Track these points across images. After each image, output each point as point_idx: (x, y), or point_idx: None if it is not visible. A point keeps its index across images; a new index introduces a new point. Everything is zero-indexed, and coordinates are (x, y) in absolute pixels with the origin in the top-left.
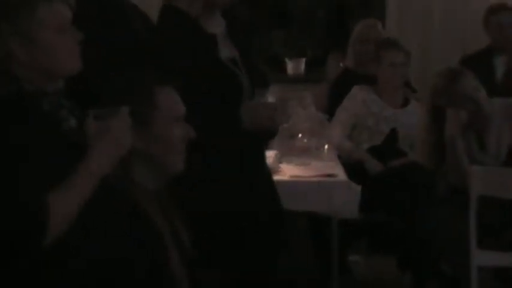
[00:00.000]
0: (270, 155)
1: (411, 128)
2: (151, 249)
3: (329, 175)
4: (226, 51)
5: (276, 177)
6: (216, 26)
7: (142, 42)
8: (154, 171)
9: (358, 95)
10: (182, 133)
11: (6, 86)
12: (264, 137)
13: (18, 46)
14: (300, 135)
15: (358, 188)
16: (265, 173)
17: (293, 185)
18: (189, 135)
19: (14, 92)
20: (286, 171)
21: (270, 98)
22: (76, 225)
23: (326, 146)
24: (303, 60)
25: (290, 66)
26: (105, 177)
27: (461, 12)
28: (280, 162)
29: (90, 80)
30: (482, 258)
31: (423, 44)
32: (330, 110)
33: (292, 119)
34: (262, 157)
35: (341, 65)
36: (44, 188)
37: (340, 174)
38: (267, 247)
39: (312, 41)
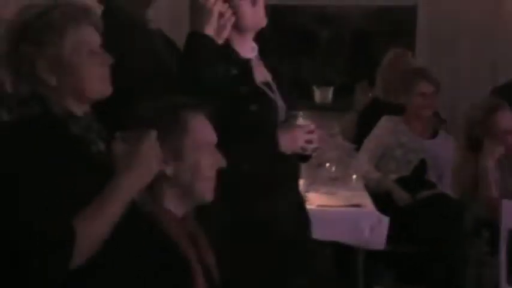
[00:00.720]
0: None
1: (440, 159)
2: (177, 275)
3: (356, 205)
4: (260, 75)
5: None
6: (249, 50)
7: (171, 69)
8: (182, 198)
9: (386, 125)
10: (212, 161)
11: (34, 108)
12: (299, 160)
13: (46, 70)
14: (327, 164)
15: (386, 219)
16: (299, 198)
17: (320, 214)
18: (219, 163)
19: (42, 113)
20: (314, 200)
21: (302, 121)
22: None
23: (354, 176)
24: (331, 88)
25: (317, 94)
26: (133, 202)
27: (491, 41)
28: (307, 191)
29: (120, 104)
30: None
31: (452, 73)
32: (357, 139)
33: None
34: (296, 181)
35: (370, 94)
36: (70, 212)
37: (368, 204)
38: (292, 275)
39: (340, 69)
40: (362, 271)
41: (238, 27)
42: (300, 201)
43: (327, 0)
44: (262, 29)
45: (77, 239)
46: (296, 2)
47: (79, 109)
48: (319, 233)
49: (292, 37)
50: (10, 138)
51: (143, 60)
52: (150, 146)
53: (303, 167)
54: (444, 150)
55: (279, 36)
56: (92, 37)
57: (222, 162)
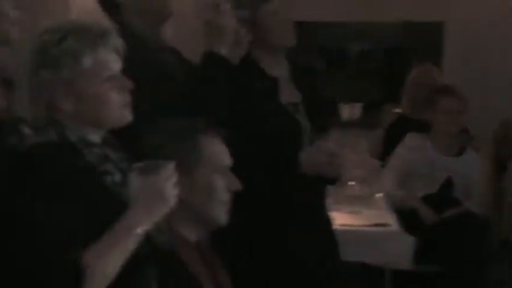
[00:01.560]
0: None
1: (467, 177)
2: None
3: (381, 224)
4: (287, 95)
5: None
6: (279, 69)
7: (186, 90)
8: (196, 222)
9: (411, 142)
10: (226, 184)
11: (49, 135)
12: (324, 183)
13: (61, 96)
14: (350, 183)
15: (412, 238)
16: (324, 220)
17: (343, 234)
18: (234, 186)
19: (56, 140)
20: (337, 220)
21: (331, 144)
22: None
23: (378, 195)
24: (359, 105)
25: (345, 111)
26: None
27: None
28: (330, 210)
29: (135, 128)
30: None
31: (482, 90)
32: (384, 156)
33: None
34: (322, 204)
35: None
36: (80, 245)
37: (393, 223)
38: None
39: (368, 85)
40: None
41: (266, 45)
42: (327, 223)
43: (357, 16)
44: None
45: (87, 272)
46: (325, 19)
47: (97, 136)
48: (343, 253)
49: (320, 53)
50: (21, 166)
51: (159, 79)
52: (168, 178)
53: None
54: (471, 168)
55: (308, 53)
56: (110, 62)
57: (237, 186)
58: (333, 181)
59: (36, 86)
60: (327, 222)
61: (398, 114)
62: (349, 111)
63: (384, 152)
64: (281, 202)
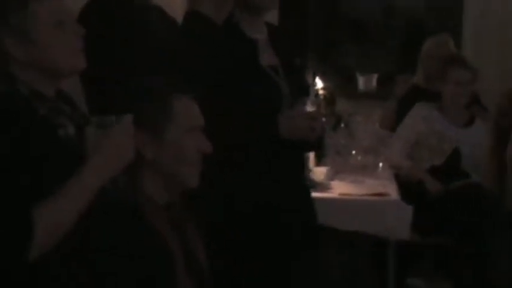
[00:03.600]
0: (322, 171)
1: (475, 149)
2: (156, 263)
3: (380, 194)
4: (266, 58)
5: (324, 195)
6: (258, 31)
7: (165, 47)
8: (165, 185)
9: (420, 112)
10: (198, 145)
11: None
12: (304, 148)
13: (13, 44)
14: (353, 152)
15: (410, 208)
16: (302, 185)
17: (342, 203)
18: (205, 148)
19: (8, 94)
20: (336, 189)
21: (309, 108)
22: (76, 235)
23: (380, 164)
24: (375, 76)
25: (361, 82)
26: (112, 188)
27: None
28: (332, 179)
29: (107, 82)
30: None
31: (500, 61)
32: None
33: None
34: (300, 169)
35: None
36: (33, 198)
37: (393, 193)
38: (296, 265)
39: (385, 56)
40: (393, 263)
41: (248, 7)
42: (305, 188)
43: None
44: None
45: (38, 228)
46: None
47: (49, 89)
48: (341, 222)
49: (339, 24)
50: None
51: (137, 36)
52: (124, 131)
53: (330, 155)
54: (480, 139)
55: (326, 23)
56: (59, 6)
57: (207, 148)
58: (312, 147)
59: None
60: (305, 189)
61: (412, 85)
62: (365, 81)
63: (397, 123)
64: (258, 167)
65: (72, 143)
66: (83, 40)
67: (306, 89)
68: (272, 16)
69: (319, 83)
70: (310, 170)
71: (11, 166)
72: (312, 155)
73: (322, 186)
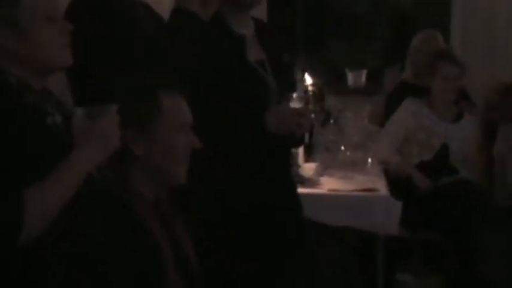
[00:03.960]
0: (311, 167)
1: (463, 144)
2: (145, 258)
3: (369, 189)
4: (254, 54)
5: (313, 190)
6: (245, 27)
7: (152, 44)
8: (153, 181)
9: (409, 107)
10: (186, 142)
11: None
12: (289, 144)
13: (3, 34)
14: (342, 147)
15: (399, 203)
16: (288, 181)
17: (331, 199)
18: (193, 144)
19: None
20: (325, 185)
21: (297, 104)
22: (65, 228)
23: (370, 160)
24: (364, 71)
25: (350, 78)
26: (100, 178)
27: None
28: (322, 175)
29: (95, 79)
30: None
31: (488, 55)
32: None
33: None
34: (286, 165)
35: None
36: (21, 184)
37: (382, 189)
38: (283, 261)
39: (374, 52)
40: (382, 258)
41: (234, 3)
42: (291, 184)
43: None
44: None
45: (26, 213)
46: None
47: (36, 84)
48: (330, 218)
49: (327, 19)
50: None
51: (123, 32)
52: (110, 120)
53: (319, 151)
54: (468, 135)
55: (314, 18)
56: (50, 2)
57: (196, 144)
58: (298, 143)
59: None
60: (291, 182)
61: (401, 80)
62: (354, 77)
63: (386, 118)
64: (247, 162)
65: (60, 130)
66: (69, 36)
67: (293, 85)
68: (261, 12)
69: (308, 79)
70: (299, 166)
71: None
72: (301, 151)
73: (312, 182)
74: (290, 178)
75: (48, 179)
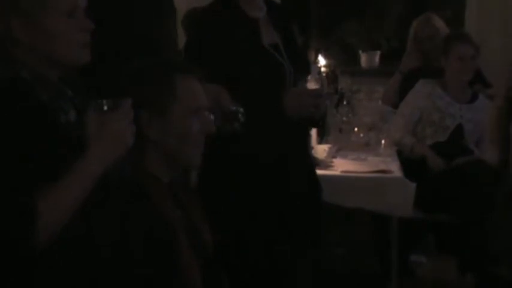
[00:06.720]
0: (324, 148)
1: (478, 125)
2: (160, 239)
3: (382, 171)
4: (268, 37)
5: (326, 172)
6: (258, 10)
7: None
8: (168, 164)
9: (422, 88)
10: (202, 126)
11: (1, 71)
12: (307, 124)
13: (19, 27)
14: (355, 129)
15: (413, 185)
16: (307, 162)
17: (344, 180)
18: (209, 128)
19: (10, 80)
20: (338, 166)
21: (312, 85)
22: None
23: (383, 141)
24: (378, 53)
25: (364, 59)
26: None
27: None
28: (335, 157)
29: (109, 64)
30: None
31: (504, 36)
32: (399, 103)
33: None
34: (304, 146)
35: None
36: (33, 187)
37: (395, 170)
38: (299, 241)
39: (388, 33)
40: (396, 240)
41: None
42: (309, 165)
43: None
44: None
45: (42, 215)
46: None
47: (52, 75)
48: (343, 199)
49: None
50: None
51: (134, 19)
52: (124, 116)
53: (332, 132)
54: (483, 115)
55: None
56: None
57: (211, 128)
58: (316, 123)
59: None
60: (310, 164)
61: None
62: (367, 59)
63: (400, 100)
64: (263, 146)
65: (73, 128)
66: (90, 35)
67: (308, 66)
68: None
69: (321, 61)
70: (312, 148)
71: (10, 152)
72: (314, 133)
73: (325, 164)
74: (310, 160)
75: (60, 183)
